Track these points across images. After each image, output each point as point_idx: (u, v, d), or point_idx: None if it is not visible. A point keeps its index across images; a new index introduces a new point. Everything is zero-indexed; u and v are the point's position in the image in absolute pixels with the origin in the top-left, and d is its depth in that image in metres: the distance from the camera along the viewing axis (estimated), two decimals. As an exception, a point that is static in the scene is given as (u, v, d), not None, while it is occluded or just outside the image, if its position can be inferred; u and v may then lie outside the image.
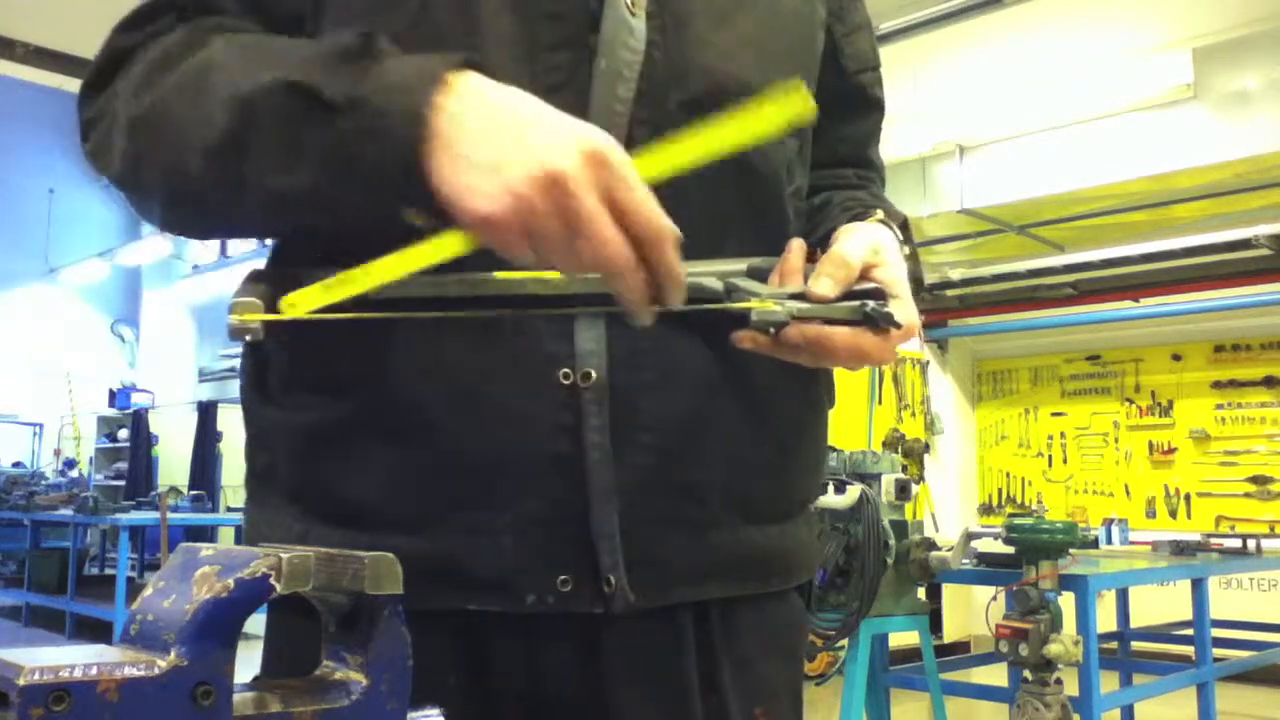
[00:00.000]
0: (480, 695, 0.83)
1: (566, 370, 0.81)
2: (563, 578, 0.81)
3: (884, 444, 7.52)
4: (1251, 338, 7.25)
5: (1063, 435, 8.10)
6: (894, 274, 0.84)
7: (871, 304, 0.79)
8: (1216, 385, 7.42)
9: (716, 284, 0.82)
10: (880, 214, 0.91)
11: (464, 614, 0.82)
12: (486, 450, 0.80)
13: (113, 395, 11.54)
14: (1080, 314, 7.56)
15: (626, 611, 0.82)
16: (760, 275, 0.85)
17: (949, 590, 6.93)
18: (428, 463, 0.81)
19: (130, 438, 10.79)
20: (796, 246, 0.86)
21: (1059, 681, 3.19)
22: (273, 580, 0.56)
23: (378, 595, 0.60)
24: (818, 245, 0.88)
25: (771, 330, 0.78)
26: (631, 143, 0.81)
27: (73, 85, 5.18)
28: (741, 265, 0.85)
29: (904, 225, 0.93)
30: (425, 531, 0.81)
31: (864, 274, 0.82)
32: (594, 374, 0.81)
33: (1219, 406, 7.41)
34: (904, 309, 0.81)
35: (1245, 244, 6.35)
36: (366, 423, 0.82)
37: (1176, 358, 7.58)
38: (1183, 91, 5.60)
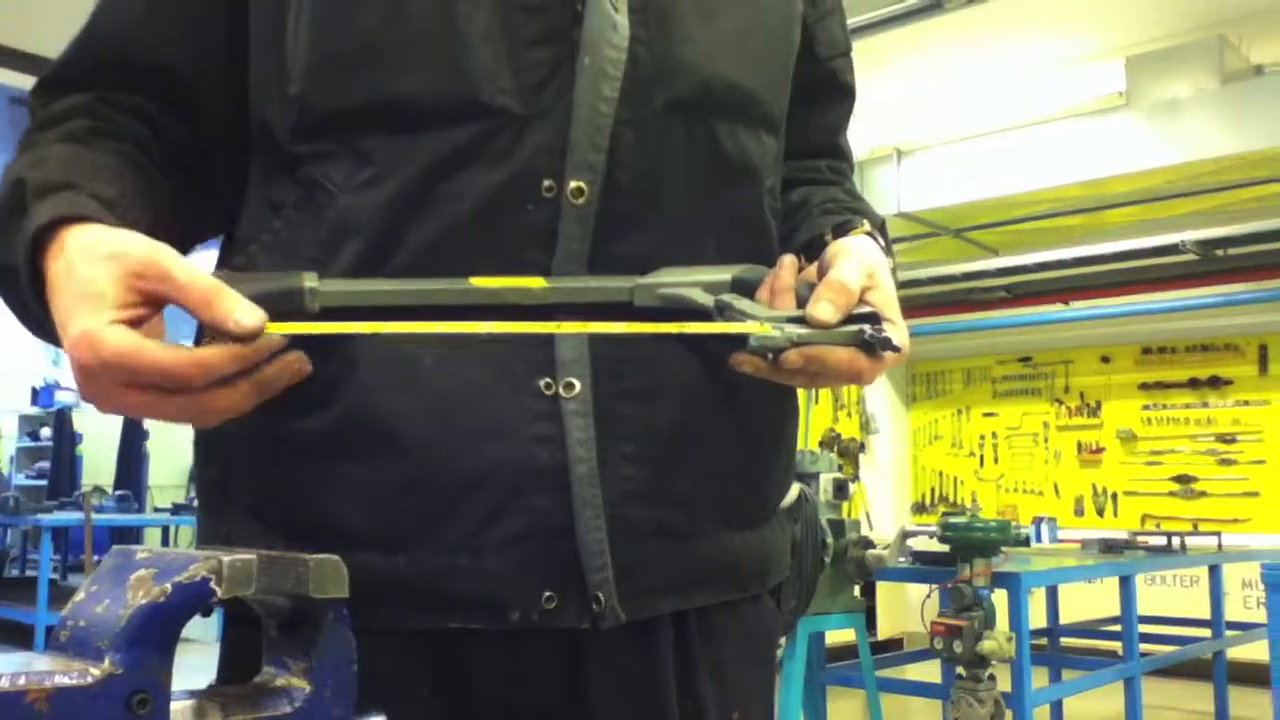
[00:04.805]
0: (454, 709, 0.81)
1: (547, 380, 0.79)
2: (548, 594, 0.79)
3: (821, 443, 7.58)
4: (1177, 340, 7.44)
5: (994, 435, 8.24)
6: (887, 296, 0.82)
7: (870, 329, 0.78)
8: (1144, 387, 7.61)
9: (705, 298, 0.81)
10: (865, 225, 0.89)
11: (441, 629, 0.80)
12: (464, 464, 0.77)
13: (35, 393, 11.23)
14: (1012, 316, 7.70)
15: (613, 627, 0.80)
16: (747, 288, 0.83)
17: (883, 588, 7.01)
18: (402, 477, 0.78)
19: (53, 436, 10.50)
20: (788, 263, 0.84)
21: (992, 678, 3.24)
22: (213, 584, 0.54)
23: (322, 599, 0.58)
24: (801, 251, 0.87)
25: (770, 355, 0.77)
26: (616, 145, 0.80)
27: (17, 80, 5.02)
28: (726, 275, 0.83)
29: (882, 228, 0.91)
30: (401, 549, 0.78)
31: (859, 296, 0.80)
32: (577, 384, 0.79)
33: (1145, 407, 7.59)
34: (898, 332, 0.80)
35: (1173, 249, 6.52)
36: (336, 436, 0.79)
37: (1105, 360, 7.76)
38: (1115, 99, 5.73)
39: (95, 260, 0.69)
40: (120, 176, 0.80)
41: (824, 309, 0.77)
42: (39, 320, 0.74)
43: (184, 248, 0.88)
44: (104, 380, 0.68)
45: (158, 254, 0.69)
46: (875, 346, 0.78)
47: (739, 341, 0.78)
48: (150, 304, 0.69)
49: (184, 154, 0.87)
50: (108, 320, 0.67)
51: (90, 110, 0.84)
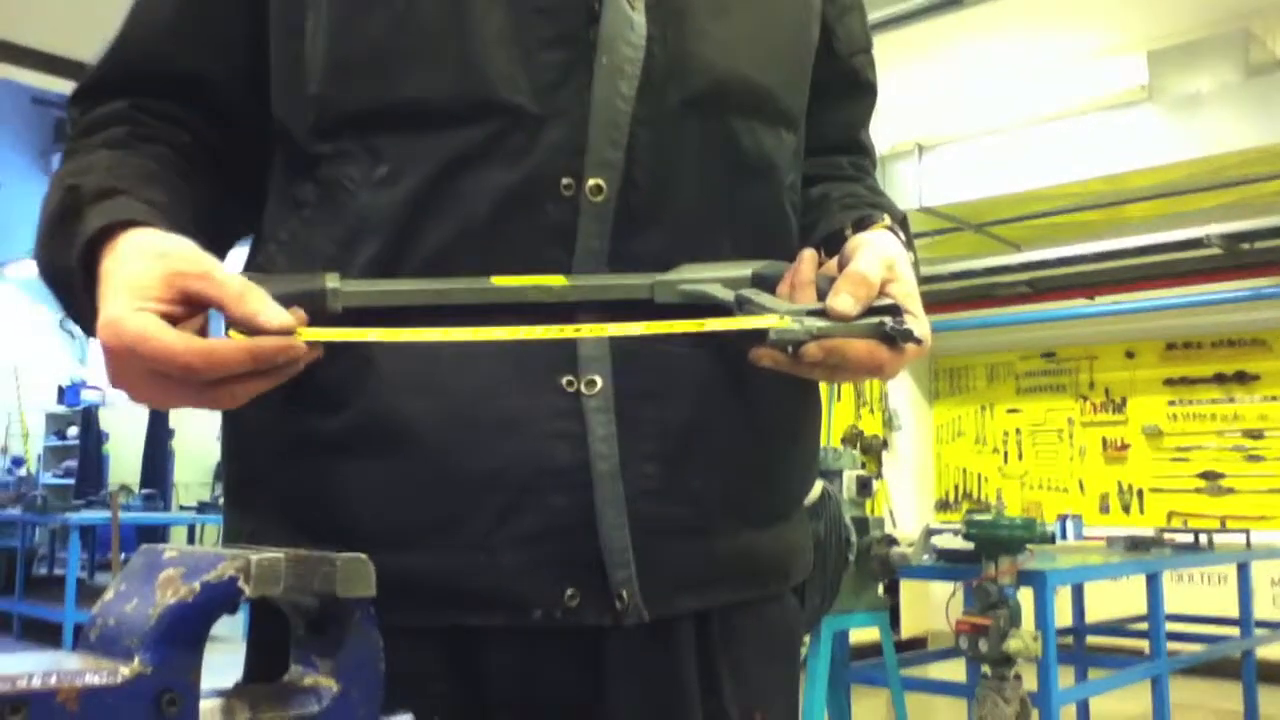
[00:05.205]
0: (471, 707, 0.81)
1: (569, 377, 0.79)
2: (570, 592, 0.79)
3: (843, 440, 7.56)
4: (1203, 335, 7.38)
5: (1018, 431, 8.19)
6: (908, 289, 0.82)
7: (890, 321, 0.78)
8: (1169, 382, 7.54)
9: (725, 293, 0.81)
10: (886, 219, 0.89)
11: (458, 625, 0.80)
12: (481, 463, 0.78)
13: (62, 392, 11.32)
14: (1036, 312, 7.64)
15: (635, 625, 0.81)
16: (767, 283, 0.83)
17: (906, 586, 6.98)
18: (420, 477, 0.78)
19: (80, 435, 10.59)
20: (809, 257, 0.83)
21: (1018, 677, 3.22)
22: (241, 583, 0.54)
23: (349, 598, 0.58)
24: (820, 245, 0.87)
25: (790, 349, 0.77)
26: (633, 143, 0.80)
27: (21, 76, 5.07)
28: (746, 271, 0.83)
29: (903, 223, 0.91)
30: (419, 548, 0.78)
31: (880, 289, 0.80)
32: (599, 380, 0.79)
33: (1171, 403, 7.53)
34: (919, 324, 0.80)
35: (1197, 243, 6.45)
36: (354, 434, 0.79)
37: (1130, 355, 7.69)
38: (1137, 93, 5.67)
39: (142, 258, 0.71)
40: (163, 181, 0.82)
41: (844, 301, 0.77)
42: (89, 320, 0.76)
43: (221, 247, 0.90)
44: (127, 366, 0.70)
45: (203, 254, 0.72)
46: (896, 338, 0.78)
47: (760, 336, 0.78)
48: (188, 302, 0.71)
49: (219, 156, 0.89)
50: (134, 307, 0.69)
51: (128, 117, 0.87)
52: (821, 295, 0.80)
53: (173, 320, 0.70)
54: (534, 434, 0.78)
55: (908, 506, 8.09)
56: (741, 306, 0.80)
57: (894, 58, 5.74)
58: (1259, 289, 6.72)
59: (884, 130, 6.13)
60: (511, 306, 0.78)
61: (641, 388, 0.81)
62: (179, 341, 0.69)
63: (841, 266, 0.82)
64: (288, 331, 0.71)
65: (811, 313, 0.78)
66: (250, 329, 0.70)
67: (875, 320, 0.78)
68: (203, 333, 0.72)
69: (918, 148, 6.37)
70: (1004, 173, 6.08)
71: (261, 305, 0.71)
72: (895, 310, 0.79)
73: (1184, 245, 6.53)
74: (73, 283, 0.75)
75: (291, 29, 0.84)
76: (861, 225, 0.89)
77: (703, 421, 0.84)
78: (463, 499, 0.78)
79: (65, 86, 5.06)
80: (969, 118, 6.24)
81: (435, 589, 0.78)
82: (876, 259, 0.81)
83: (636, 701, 0.83)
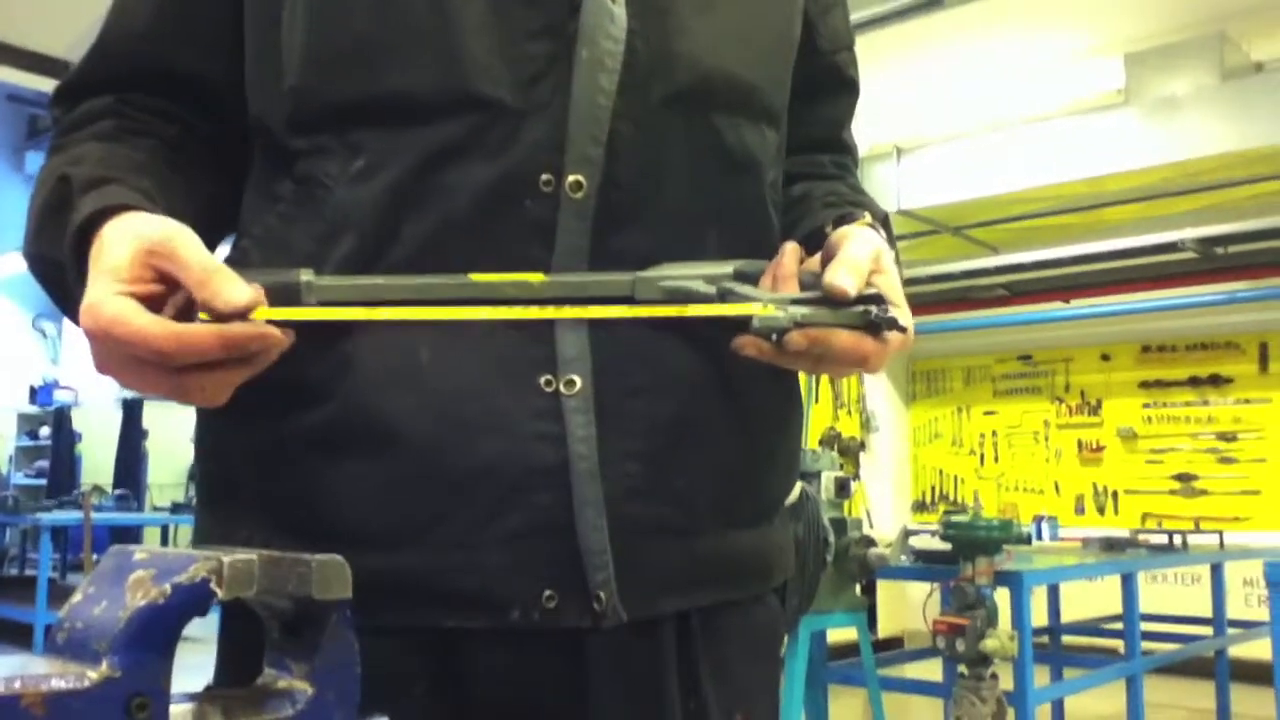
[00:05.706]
0: (452, 709, 0.80)
1: (548, 377, 0.78)
2: (548, 593, 0.78)
3: (821, 442, 7.57)
4: (1178, 339, 7.43)
5: (994, 433, 8.23)
6: (892, 282, 0.82)
7: (875, 309, 0.77)
8: (1144, 385, 7.60)
9: (707, 288, 0.80)
10: (867, 216, 0.89)
11: (438, 627, 0.79)
12: (465, 462, 0.77)
13: (34, 392, 11.22)
14: (1012, 314, 7.69)
15: (616, 626, 0.80)
16: (749, 279, 0.82)
17: (883, 587, 7.01)
18: (403, 476, 0.77)
19: (52, 435, 10.49)
20: (791, 250, 0.83)
21: (994, 676, 3.23)
22: (213, 585, 0.53)
23: (325, 600, 0.57)
24: (802, 243, 0.86)
25: (774, 337, 0.76)
26: (615, 139, 0.79)
27: (13, 77, 5.02)
28: (728, 268, 0.82)
29: (885, 222, 0.91)
30: (402, 547, 0.77)
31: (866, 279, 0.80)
32: (578, 381, 0.78)
33: (1146, 406, 7.58)
34: (903, 315, 0.80)
35: (1172, 247, 6.50)
36: (333, 432, 0.78)
37: (1105, 358, 7.75)
38: (1114, 96, 5.72)
39: (122, 241, 0.70)
40: (152, 173, 0.81)
41: (843, 279, 0.77)
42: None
43: (221, 236, 0.90)
44: (107, 351, 0.70)
45: (176, 234, 0.71)
46: (881, 326, 0.77)
47: (743, 329, 0.77)
48: (164, 281, 0.70)
49: (214, 147, 0.88)
50: (113, 291, 0.68)
51: (115, 111, 0.86)
52: (805, 288, 0.80)
53: (157, 302, 0.70)
54: (515, 433, 0.77)
55: (885, 508, 8.11)
56: (724, 299, 0.79)
57: (873, 59, 5.75)
58: (1233, 293, 6.78)
59: (862, 132, 6.13)
60: (490, 303, 0.77)
61: (625, 386, 0.80)
62: (152, 325, 0.68)
63: (826, 258, 0.81)
64: (246, 310, 0.70)
65: (795, 301, 0.77)
66: (210, 310, 0.69)
67: (860, 309, 0.77)
68: (187, 315, 0.70)
69: (896, 150, 6.40)
70: (982, 176, 6.11)
71: (223, 286, 0.69)
72: (879, 299, 0.78)
73: (1159, 249, 6.58)
74: (64, 276, 0.74)
75: (268, 21, 0.83)
76: (842, 223, 0.88)
77: (690, 419, 0.83)
78: (444, 498, 0.77)
79: (40, 83, 5.01)
80: (947, 120, 6.27)
81: (416, 589, 0.78)
82: (866, 249, 0.81)
83: (620, 701, 0.82)
